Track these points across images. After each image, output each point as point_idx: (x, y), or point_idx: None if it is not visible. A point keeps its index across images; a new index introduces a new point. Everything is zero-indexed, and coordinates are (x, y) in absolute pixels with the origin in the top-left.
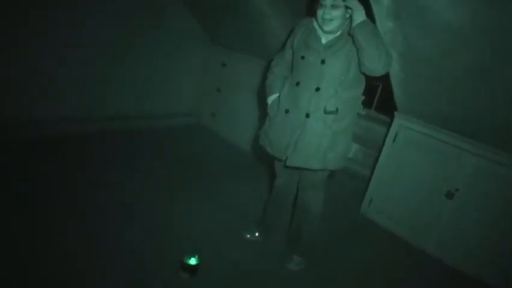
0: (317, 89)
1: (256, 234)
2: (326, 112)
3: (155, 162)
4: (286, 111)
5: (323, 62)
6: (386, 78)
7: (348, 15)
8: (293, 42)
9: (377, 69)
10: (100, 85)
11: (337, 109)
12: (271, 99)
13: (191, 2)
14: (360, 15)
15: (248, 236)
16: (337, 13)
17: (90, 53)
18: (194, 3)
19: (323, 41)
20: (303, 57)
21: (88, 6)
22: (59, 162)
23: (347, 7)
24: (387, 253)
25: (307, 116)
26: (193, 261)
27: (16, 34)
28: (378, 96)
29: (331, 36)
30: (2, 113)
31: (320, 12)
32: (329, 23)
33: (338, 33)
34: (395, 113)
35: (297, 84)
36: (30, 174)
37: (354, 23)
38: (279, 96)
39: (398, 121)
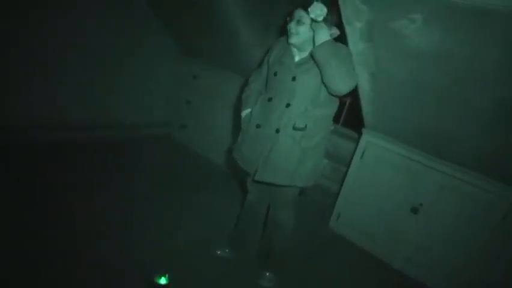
0: (287, 105)
1: (227, 250)
2: (294, 128)
3: (122, 174)
4: (258, 126)
5: (293, 79)
6: (354, 94)
7: (312, 34)
8: (269, 59)
9: (338, 89)
10: (68, 93)
11: (306, 126)
12: (244, 113)
13: (163, 13)
14: (322, 37)
15: (219, 252)
16: (301, 29)
17: (58, 61)
18: (166, 15)
19: (296, 58)
20: (275, 74)
21: (57, 16)
22: (20, 171)
23: (315, 24)
24: (356, 267)
25: (277, 131)
26: (162, 280)
27: None
28: (345, 111)
29: (304, 55)
30: None
31: (288, 26)
32: (293, 37)
33: (307, 52)
34: (363, 129)
35: (269, 99)
36: None
37: (315, 44)
38: (252, 111)
39: (366, 137)
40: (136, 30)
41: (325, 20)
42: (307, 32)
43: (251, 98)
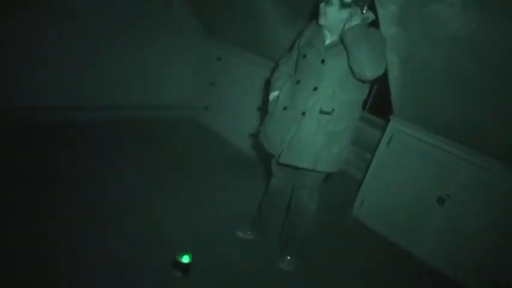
0: (315, 88)
1: (249, 233)
2: (321, 112)
3: (146, 156)
4: (285, 108)
5: (322, 61)
6: (382, 80)
7: (345, 16)
8: (299, 42)
9: (364, 74)
10: (93, 74)
11: (332, 110)
12: (272, 95)
13: None
14: (355, 20)
15: (241, 234)
16: (329, 9)
17: (84, 42)
18: None
19: (327, 41)
20: (304, 56)
21: None
22: (48, 152)
23: (344, 6)
24: (378, 255)
25: (303, 114)
26: (185, 259)
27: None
28: (372, 97)
29: (335, 37)
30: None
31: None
32: (321, 17)
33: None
34: (391, 116)
35: (298, 82)
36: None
37: (347, 26)
38: (279, 93)
39: (393, 124)
40: (161, 11)
41: (356, 2)
42: (336, 13)
43: (280, 81)
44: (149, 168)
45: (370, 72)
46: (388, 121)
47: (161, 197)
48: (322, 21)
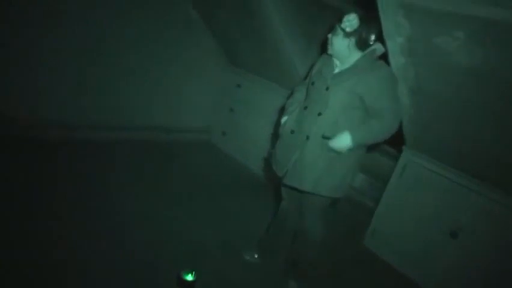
0: (319, 114)
1: (256, 256)
2: (323, 137)
3: (161, 175)
4: (292, 131)
5: (327, 88)
6: None
7: (347, 44)
8: (312, 70)
9: (389, 135)
10: (115, 94)
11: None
12: (283, 119)
13: (214, 25)
14: (343, 144)
15: (247, 257)
16: (334, 39)
17: (110, 62)
18: (216, 26)
19: (336, 70)
20: (313, 83)
21: (113, 26)
22: (68, 167)
23: (347, 35)
24: (385, 286)
25: (307, 138)
26: (189, 277)
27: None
28: None
29: (344, 66)
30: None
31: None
32: (330, 47)
33: (350, 65)
34: (404, 147)
35: (305, 108)
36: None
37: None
38: (289, 118)
39: (406, 156)
40: (185, 39)
41: (355, 32)
42: (341, 42)
43: (292, 106)
44: (162, 187)
45: (389, 135)
46: (401, 151)
47: (171, 214)
48: (329, 50)
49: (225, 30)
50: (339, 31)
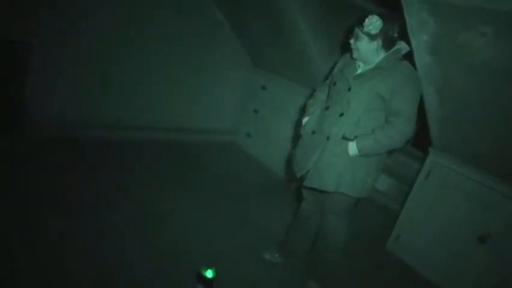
0: (341, 115)
1: (276, 255)
2: (343, 138)
3: (186, 175)
4: (313, 132)
5: (349, 89)
6: (421, 111)
7: (375, 47)
8: (334, 70)
9: (402, 142)
10: (142, 96)
11: (356, 137)
12: (305, 120)
13: (238, 27)
14: (352, 151)
15: (268, 256)
16: (359, 44)
17: (138, 64)
18: (240, 28)
19: (359, 71)
20: (335, 84)
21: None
22: (91, 165)
23: (372, 38)
24: None
25: (328, 138)
26: (209, 273)
27: None
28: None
29: (366, 67)
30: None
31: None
32: (354, 52)
33: (373, 65)
34: (430, 148)
35: (327, 108)
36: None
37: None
38: (310, 118)
39: (432, 158)
40: (210, 41)
41: (381, 33)
42: (366, 46)
43: (313, 107)
44: (186, 187)
45: (400, 143)
46: (427, 153)
47: (194, 214)
48: (355, 55)
49: (249, 32)
50: (362, 36)
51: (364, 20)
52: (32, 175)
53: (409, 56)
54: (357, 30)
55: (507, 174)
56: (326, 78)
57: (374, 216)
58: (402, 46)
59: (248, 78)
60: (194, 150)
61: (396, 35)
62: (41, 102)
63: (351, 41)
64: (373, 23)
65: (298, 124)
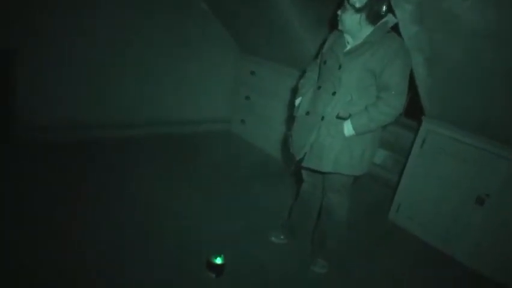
0: (333, 93)
1: (282, 237)
2: (337, 117)
3: (185, 166)
4: (307, 113)
5: (339, 67)
6: (411, 82)
7: (358, 20)
8: (323, 48)
9: (394, 116)
10: (134, 91)
11: (350, 115)
12: (297, 101)
13: (222, 13)
14: (348, 132)
15: (274, 238)
16: (344, 16)
17: (124, 60)
18: (224, 15)
19: (348, 47)
20: (325, 62)
21: (126, 15)
22: (97, 164)
23: (357, 10)
24: (416, 259)
25: (322, 119)
26: (218, 260)
27: None
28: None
29: (357, 41)
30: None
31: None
32: (340, 24)
33: (361, 40)
34: (423, 117)
35: (319, 88)
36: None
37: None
38: (303, 98)
39: (426, 126)
40: (197, 30)
41: (366, 6)
42: (351, 18)
43: (305, 87)
44: (188, 178)
45: (393, 117)
46: (420, 123)
47: (196, 202)
48: (340, 26)
49: (233, 18)
50: (348, 7)
51: None
52: (29, 176)
53: (397, 29)
54: (345, 1)
55: (498, 135)
56: (316, 56)
57: (373, 188)
58: (389, 19)
59: (237, 64)
60: (191, 142)
61: (383, 8)
62: (31, 105)
63: (338, 12)
64: None
65: (291, 105)
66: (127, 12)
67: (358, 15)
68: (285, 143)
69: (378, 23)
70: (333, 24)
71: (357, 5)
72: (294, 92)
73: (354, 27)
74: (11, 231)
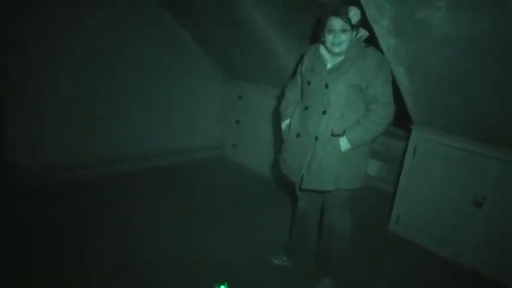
0: (324, 112)
1: (284, 258)
2: (332, 135)
3: (181, 195)
4: (297, 135)
5: (326, 86)
6: (398, 92)
7: (353, 36)
8: (301, 69)
9: (386, 125)
10: (123, 124)
11: (344, 132)
12: (284, 124)
13: (205, 42)
14: (344, 146)
15: (276, 261)
16: (346, 36)
17: (110, 91)
18: (208, 44)
19: (328, 66)
20: (309, 83)
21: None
22: (90, 203)
23: (353, 28)
24: (420, 267)
25: (316, 139)
26: None
27: None
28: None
29: (336, 61)
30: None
31: (329, 37)
32: (339, 46)
33: (342, 57)
34: (412, 126)
35: (306, 108)
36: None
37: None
38: (290, 121)
39: (415, 134)
40: (181, 61)
41: (359, 21)
42: (350, 36)
43: (289, 108)
44: (184, 206)
45: (383, 127)
46: (410, 131)
47: (197, 231)
48: (339, 49)
49: (215, 45)
50: (347, 27)
51: (345, 12)
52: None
53: (371, 41)
54: (341, 23)
55: (487, 137)
56: (292, 76)
57: (371, 200)
58: (362, 33)
59: (224, 90)
60: (185, 171)
61: (359, 25)
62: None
63: (335, 36)
64: (356, 13)
65: (276, 128)
66: (112, 44)
67: (353, 33)
68: (277, 164)
69: (355, 38)
70: (312, 41)
71: (353, 22)
72: (278, 115)
73: (347, 45)
74: None
